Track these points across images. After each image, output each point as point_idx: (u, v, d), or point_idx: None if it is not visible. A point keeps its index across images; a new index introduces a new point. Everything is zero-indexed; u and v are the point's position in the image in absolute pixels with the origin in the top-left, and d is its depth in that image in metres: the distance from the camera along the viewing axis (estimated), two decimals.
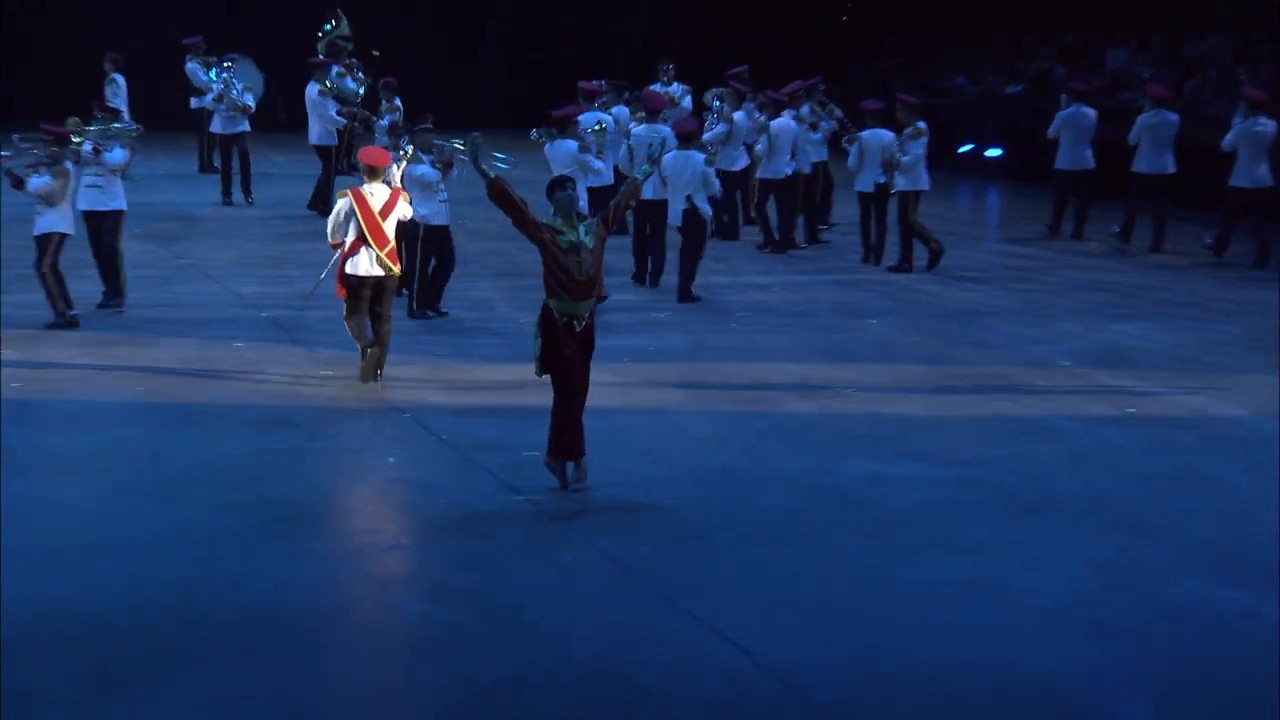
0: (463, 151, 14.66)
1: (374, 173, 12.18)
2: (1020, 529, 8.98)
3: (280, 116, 27.34)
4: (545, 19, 30.53)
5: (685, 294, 15.37)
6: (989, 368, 12.91)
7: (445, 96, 26.48)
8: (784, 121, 18.30)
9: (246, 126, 21.76)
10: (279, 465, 9.97)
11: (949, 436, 10.83)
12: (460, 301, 14.81)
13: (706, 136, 18.14)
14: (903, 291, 16.28)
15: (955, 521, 9.07)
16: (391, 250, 12.11)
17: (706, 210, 15.61)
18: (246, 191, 21.57)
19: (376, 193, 12.16)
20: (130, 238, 16.49)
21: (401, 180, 12.93)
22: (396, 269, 12.17)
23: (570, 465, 9.46)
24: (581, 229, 9.41)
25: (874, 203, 17.65)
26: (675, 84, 21.07)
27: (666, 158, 15.70)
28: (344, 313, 12.16)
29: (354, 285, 12.04)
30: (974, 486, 9.71)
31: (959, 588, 8.03)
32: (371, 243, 12.00)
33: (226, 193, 21.58)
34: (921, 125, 17.24)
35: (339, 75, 21.60)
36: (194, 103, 23.35)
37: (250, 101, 21.84)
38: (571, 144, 15.39)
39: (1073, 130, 19.71)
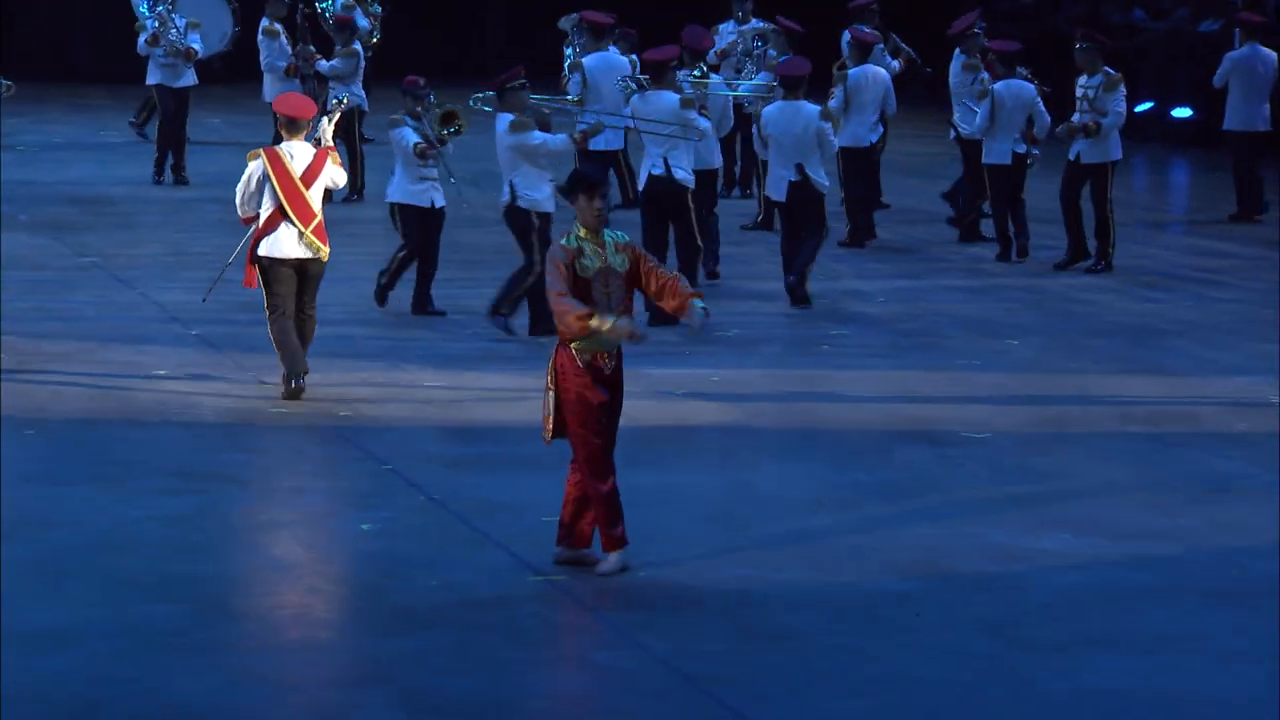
0: (571, 106, 14.97)
1: (294, 126, 12.37)
2: (1214, 621, 9.00)
3: (215, 65, 27.56)
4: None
5: (800, 293, 15.49)
6: (1170, 405, 12.92)
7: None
8: (869, 70, 18.39)
9: (193, 79, 21.78)
10: (215, 534, 10.07)
11: (1116, 498, 10.85)
12: (459, 311, 14.94)
13: (745, 88, 18.25)
14: (1054, 301, 16.30)
15: (1124, 612, 9.08)
16: (319, 225, 12.31)
17: (824, 182, 15.71)
18: (178, 168, 21.52)
19: (297, 153, 12.36)
20: (13, 227, 16.69)
21: (329, 138, 12.91)
22: (325, 249, 12.36)
23: (612, 556, 9.35)
24: (610, 246, 9.36)
25: (1010, 179, 17.67)
26: (755, 20, 21.19)
27: (768, 111, 15.82)
28: (267, 312, 12.33)
29: (266, 267, 12.25)
30: (1150, 565, 9.73)
31: (1128, 700, 8.06)
32: (292, 216, 12.21)
33: (161, 167, 21.63)
34: (1113, 72, 17.30)
35: (345, 7, 21.78)
36: (140, 47, 23.23)
37: (197, 44, 21.86)
38: (670, 96, 15.47)
39: (1245, 78, 19.70)
